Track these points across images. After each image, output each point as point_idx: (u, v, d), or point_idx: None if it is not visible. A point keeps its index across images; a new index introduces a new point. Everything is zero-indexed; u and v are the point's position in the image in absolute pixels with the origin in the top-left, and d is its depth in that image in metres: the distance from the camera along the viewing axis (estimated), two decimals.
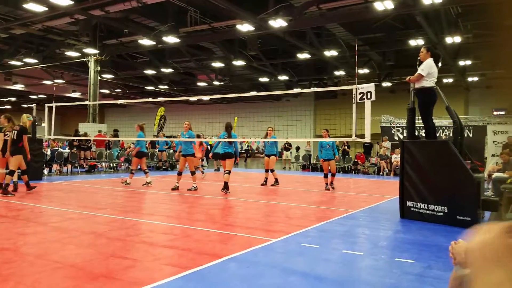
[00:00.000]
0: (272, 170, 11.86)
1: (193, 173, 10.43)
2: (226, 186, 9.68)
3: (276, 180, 11.79)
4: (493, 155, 16.13)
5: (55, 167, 14.87)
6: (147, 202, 8.40)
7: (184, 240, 4.95)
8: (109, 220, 6.16)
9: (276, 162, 12.29)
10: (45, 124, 11.81)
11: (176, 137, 18.29)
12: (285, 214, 7.07)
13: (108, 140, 17.96)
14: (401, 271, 3.89)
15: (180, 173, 10.42)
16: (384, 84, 25.25)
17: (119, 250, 4.41)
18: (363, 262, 4.25)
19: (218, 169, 17.63)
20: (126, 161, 16.86)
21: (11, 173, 8.55)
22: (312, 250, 4.58)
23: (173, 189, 10.20)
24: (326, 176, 10.96)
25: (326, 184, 10.97)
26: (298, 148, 28.03)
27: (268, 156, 11.91)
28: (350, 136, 7.33)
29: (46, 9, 13.70)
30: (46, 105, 11.78)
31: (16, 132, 8.64)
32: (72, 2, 13.06)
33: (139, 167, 11.79)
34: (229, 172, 9.86)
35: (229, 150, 10.03)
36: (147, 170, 11.56)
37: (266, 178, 11.96)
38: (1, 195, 8.28)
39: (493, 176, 8.57)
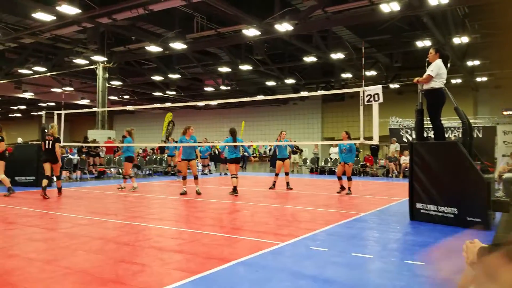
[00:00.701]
0: (287, 173, 11.71)
1: (195, 177, 10.46)
2: (234, 190, 9.98)
3: (288, 184, 11.61)
4: (503, 156, 15.93)
5: (64, 173, 15.00)
6: (156, 207, 8.43)
7: (193, 245, 4.95)
8: (118, 225, 6.19)
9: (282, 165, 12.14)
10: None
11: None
12: (293, 218, 7.04)
13: (117, 146, 18.07)
14: (411, 273, 3.85)
15: (184, 178, 10.53)
16: (392, 86, 25.12)
17: (128, 255, 4.43)
18: (372, 265, 4.21)
19: (225, 173, 17.63)
20: (135, 166, 16.95)
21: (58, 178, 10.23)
22: (321, 254, 4.55)
23: (181, 194, 10.26)
24: (339, 178, 10.84)
25: (341, 187, 10.76)
26: (295, 152, 27.52)
27: (282, 159, 11.67)
28: (358, 139, 7.29)
29: (54, 18, 13.87)
30: (55, 112, 11.90)
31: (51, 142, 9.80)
32: (80, 11, 13.22)
33: (135, 170, 11.96)
34: (236, 176, 10.08)
35: (236, 155, 10.17)
36: (132, 175, 11.74)
37: (275, 182, 11.79)
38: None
39: (503, 176, 8.46)
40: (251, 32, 14.92)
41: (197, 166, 17.86)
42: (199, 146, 12.48)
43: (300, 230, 5.87)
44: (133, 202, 9.07)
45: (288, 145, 11.83)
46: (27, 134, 41.61)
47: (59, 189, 9.95)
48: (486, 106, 26.67)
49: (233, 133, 10.22)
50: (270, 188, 11.64)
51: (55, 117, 11.81)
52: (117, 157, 15.29)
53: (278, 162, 11.79)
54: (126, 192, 10.92)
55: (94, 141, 17.09)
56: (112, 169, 16.90)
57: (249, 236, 5.50)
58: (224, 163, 15.33)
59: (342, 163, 10.77)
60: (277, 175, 11.80)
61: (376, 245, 5.13)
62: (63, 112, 11.89)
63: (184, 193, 10.29)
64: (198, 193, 10.20)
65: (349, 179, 10.70)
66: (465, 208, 5.97)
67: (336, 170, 10.91)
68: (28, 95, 31.07)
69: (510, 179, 7.83)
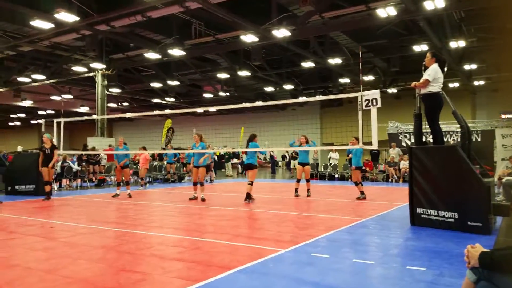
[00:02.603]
0: (308, 180, 11.42)
1: (201, 184, 10.62)
2: (248, 196, 10.00)
3: (308, 191, 11.26)
4: (503, 159, 15.97)
5: (64, 181, 14.98)
6: (156, 215, 8.41)
7: (194, 253, 4.94)
8: (119, 233, 6.18)
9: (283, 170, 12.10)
10: (54, 139, 11.94)
11: (186, 149, 18.49)
12: (294, 224, 7.04)
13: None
14: (412, 279, 3.85)
15: (195, 184, 10.70)
16: (390, 91, 25.20)
17: (129, 264, 4.42)
18: (374, 271, 4.21)
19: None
20: (134, 174, 16.94)
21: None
22: (322, 260, 4.54)
23: (190, 199, 10.55)
24: (356, 184, 10.78)
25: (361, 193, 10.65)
26: (284, 157, 27.48)
27: (303, 165, 11.35)
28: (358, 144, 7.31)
29: (53, 25, 13.92)
30: (55, 120, 11.91)
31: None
32: (78, 18, 13.26)
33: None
34: (251, 183, 10.07)
35: (250, 161, 10.24)
36: (121, 184, 12.01)
37: (297, 189, 11.35)
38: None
39: (503, 180, 8.48)
40: (249, 38, 14.98)
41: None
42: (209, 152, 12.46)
43: (301, 236, 5.86)
44: (133, 210, 9.05)
45: (307, 150, 11.29)
46: (27, 142, 41.54)
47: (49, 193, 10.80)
48: (484, 109, 26.76)
49: (249, 139, 10.29)
50: (296, 196, 11.08)
51: (55, 125, 11.82)
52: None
53: (299, 167, 11.48)
54: (122, 199, 10.90)
55: (93, 149, 17.07)
56: (112, 177, 16.87)
57: (250, 243, 5.49)
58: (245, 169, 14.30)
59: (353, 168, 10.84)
60: (298, 181, 11.45)
61: (377, 250, 5.12)
62: (62, 120, 11.90)
63: (193, 198, 10.56)
64: (202, 200, 10.39)
65: (356, 184, 10.81)
66: (465, 212, 5.97)
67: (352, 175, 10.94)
68: (27, 103, 31.09)
69: (510, 182, 7.84)
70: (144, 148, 15.67)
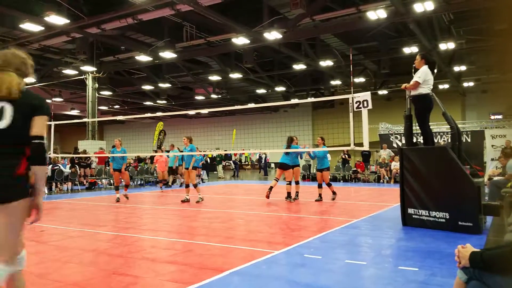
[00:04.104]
0: (330, 185, 10.71)
1: (194, 185, 10.70)
2: (289, 195, 10.48)
3: (320, 195, 10.73)
4: (492, 159, 16.14)
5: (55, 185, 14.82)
6: (148, 217, 8.36)
7: (186, 255, 4.92)
8: (110, 237, 6.13)
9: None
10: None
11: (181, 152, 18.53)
12: (286, 225, 7.04)
13: (108, 157, 17.94)
14: (405, 279, 3.87)
15: (187, 186, 10.84)
16: (380, 92, 25.36)
17: (120, 267, 4.39)
18: (366, 272, 4.22)
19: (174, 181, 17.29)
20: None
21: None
22: (315, 261, 4.55)
23: (183, 201, 10.62)
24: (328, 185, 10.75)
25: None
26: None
27: (321, 170, 10.60)
28: (349, 145, 7.34)
29: (42, 28, 13.80)
30: None
31: None
32: (69, 21, 13.16)
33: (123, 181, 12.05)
34: (289, 183, 10.48)
35: (285, 161, 10.48)
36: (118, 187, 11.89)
37: (321, 194, 10.71)
38: None
39: (492, 180, 8.55)
40: (240, 40, 14.99)
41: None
42: (198, 155, 12.47)
43: (294, 238, 5.87)
44: (125, 213, 8.99)
45: (325, 153, 10.66)
46: None
47: None
48: (473, 110, 27.05)
49: (288, 140, 10.70)
50: (316, 200, 10.61)
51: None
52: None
53: (317, 173, 10.76)
54: (112, 202, 10.82)
55: (84, 152, 16.93)
56: (103, 180, 16.75)
57: (243, 245, 5.48)
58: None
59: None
60: (320, 186, 10.77)
61: (370, 251, 5.15)
62: (52, 123, 11.78)
63: (186, 201, 10.60)
64: (197, 202, 10.51)
65: (327, 185, 10.73)
66: (456, 212, 6.03)
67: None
68: None
69: (497, 182, 7.92)
70: (162, 151, 15.83)
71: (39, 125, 2.39)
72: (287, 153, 10.55)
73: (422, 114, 6.76)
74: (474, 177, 6.15)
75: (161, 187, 15.40)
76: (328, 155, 10.89)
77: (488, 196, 7.85)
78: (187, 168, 10.68)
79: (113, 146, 12.04)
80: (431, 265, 4.30)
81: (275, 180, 10.66)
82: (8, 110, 2.33)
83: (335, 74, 22.65)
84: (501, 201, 6.44)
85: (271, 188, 10.54)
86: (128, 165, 13.93)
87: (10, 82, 2.36)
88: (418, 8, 12.03)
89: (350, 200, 10.96)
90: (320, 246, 5.36)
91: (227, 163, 25.45)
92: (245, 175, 27.21)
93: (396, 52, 18.12)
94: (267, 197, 10.52)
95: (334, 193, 10.66)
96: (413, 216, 6.57)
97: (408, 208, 6.67)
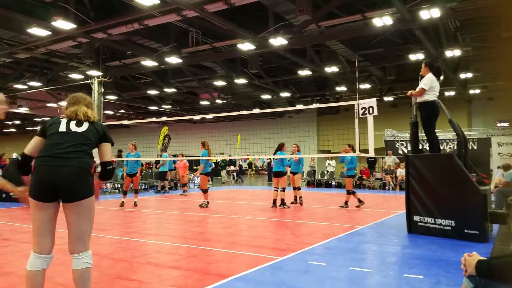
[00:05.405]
0: (354, 192, 10.62)
1: (204, 191, 10.87)
2: (282, 202, 10.50)
3: (346, 202, 10.70)
4: (498, 167, 16.01)
5: None
6: (152, 222, 8.36)
7: (190, 260, 4.91)
8: (114, 241, 6.13)
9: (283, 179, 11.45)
10: None
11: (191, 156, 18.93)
12: (291, 232, 7.01)
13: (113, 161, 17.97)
14: (410, 287, 3.83)
15: (206, 191, 11.00)
16: (386, 99, 25.30)
17: (124, 271, 4.38)
18: (371, 279, 4.19)
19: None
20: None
21: None
22: (319, 268, 4.52)
23: (201, 207, 10.65)
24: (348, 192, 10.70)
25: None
26: (250, 164, 27.78)
27: (277, 174, 10.80)
28: (354, 152, 7.31)
29: (49, 33, 13.91)
30: None
31: None
32: (75, 26, 13.25)
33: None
34: (283, 189, 10.54)
35: (280, 169, 10.66)
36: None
37: (347, 201, 10.68)
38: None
39: (499, 188, 8.49)
40: (245, 46, 15.03)
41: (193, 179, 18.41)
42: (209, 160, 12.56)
43: (298, 244, 5.83)
44: (129, 217, 8.99)
45: (352, 159, 10.58)
46: (22, 149, 41.10)
47: None
48: (480, 118, 26.89)
49: (277, 147, 10.95)
50: (341, 206, 10.60)
51: None
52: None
53: (346, 180, 10.88)
54: (116, 206, 10.83)
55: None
56: (108, 184, 16.79)
57: (247, 251, 5.46)
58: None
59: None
60: (353, 193, 10.65)
61: (375, 258, 5.11)
62: None
63: (205, 206, 10.65)
64: (200, 206, 10.63)
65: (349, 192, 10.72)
66: (462, 220, 5.97)
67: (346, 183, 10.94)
68: (23, 110, 30.96)
69: (504, 191, 7.85)
70: (182, 155, 16.00)
71: (107, 152, 3.32)
72: (281, 160, 10.78)
73: (428, 121, 6.74)
74: (480, 185, 6.10)
75: (184, 191, 15.45)
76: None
77: (495, 204, 7.78)
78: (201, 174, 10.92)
79: (119, 151, 12.03)
80: (437, 273, 4.25)
81: (275, 190, 10.73)
82: (86, 124, 3.28)
83: (340, 80, 22.62)
84: (508, 209, 6.39)
85: (274, 201, 10.65)
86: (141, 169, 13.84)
87: (86, 111, 3.33)
88: (424, 15, 12.01)
89: (355, 207, 10.90)
90: (324, 253, 5.32)
91: (228, 170, 25.50)
92: (250, 180, 27.16)
93: (402, 58, 18.08)
94: (276, 207, 10.61)
95: (346, 202, 10.66)
96: (419, 223, 6.52)
97: (413, 215, 6.62)
